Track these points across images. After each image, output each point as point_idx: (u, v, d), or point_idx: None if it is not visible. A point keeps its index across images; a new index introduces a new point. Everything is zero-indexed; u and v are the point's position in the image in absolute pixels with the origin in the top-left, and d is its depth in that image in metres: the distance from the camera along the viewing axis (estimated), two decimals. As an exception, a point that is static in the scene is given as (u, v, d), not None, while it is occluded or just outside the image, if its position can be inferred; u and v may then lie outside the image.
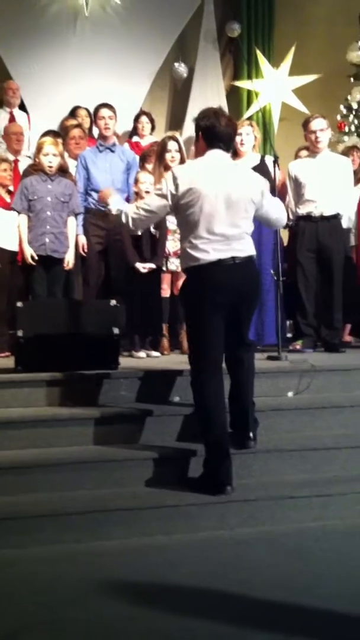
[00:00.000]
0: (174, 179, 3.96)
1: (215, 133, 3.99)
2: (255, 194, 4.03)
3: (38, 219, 5.88)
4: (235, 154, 6.37)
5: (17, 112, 8.12)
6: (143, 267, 5.88)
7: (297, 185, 6.25)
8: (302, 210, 6.20)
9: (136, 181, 6.04)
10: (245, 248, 3.97)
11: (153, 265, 5.92)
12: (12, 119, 7.91)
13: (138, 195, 5.99)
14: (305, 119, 6.37)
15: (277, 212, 4.28)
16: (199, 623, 2.82)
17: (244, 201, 3.94)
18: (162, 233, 5.99)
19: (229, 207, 3.89)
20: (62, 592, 3.13)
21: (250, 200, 3.99)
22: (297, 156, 6.89)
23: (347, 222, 6.53)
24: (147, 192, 5.89)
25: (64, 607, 2.99)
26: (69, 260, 6.03)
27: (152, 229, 5.80)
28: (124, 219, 4.16)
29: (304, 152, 6.71)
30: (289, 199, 6.34)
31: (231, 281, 3.88)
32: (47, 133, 6.89)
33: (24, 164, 7.00)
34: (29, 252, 5.84)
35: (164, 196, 4.00)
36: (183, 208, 3.93)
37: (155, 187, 5.88)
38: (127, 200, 6.46)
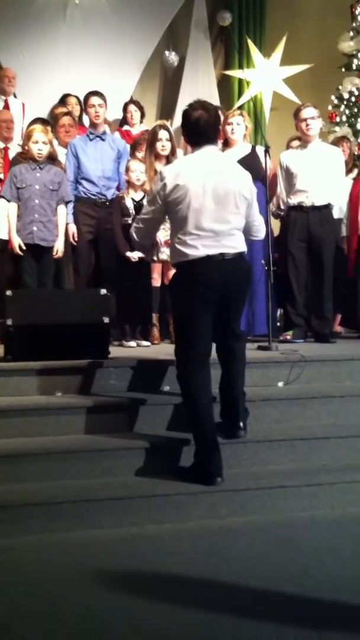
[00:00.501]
0: (161, 178, 3.96)
1: (194, 129, 3.98)
2: (246, 190, 4.01)
3: (26, 207, 5.84)
4: (226, 144, 6.36)
5: (12, 100, 8.03)
6: (133, 256, 5.86)
7: (289, 175, 6.24)
8: (294, 200, 6.19)
9: (127, 170, 6.02)
10: (236, 244, 3.95)
11: (143, 254, 5.90)
12: (6, 106, 7.83)
13: (129, 183, 5.97)
14: (296, 108, 6.36)
15: (260, 220, 4.25)
16: (189, 613, 2.82)
17: (233, 196, 3.92)
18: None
19: (217, 203, 3.87)
20: (51, 582, 3.13)
21: (241, 195, 3.96)
22: (288, 146, 6.89)
23: (338, 212, 6.53)
24: (137, 180, 5.89)
25: (54, 597, 2.98)
26: (59, 248, 5.98)
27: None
28: (132, 236, 4.29)
29: (295, 142, 6.70)
30: (280, 189, 6.34)
31: (220, 277, 3.86)
32: (36, 121, 6.84)
33: (14, 152, 6.95)
34: (17, 241, 5.80)
35: (154, 200, 4.00)
36: (171, 205, 3.92)
37: (145, 176, 5.90)
38: (118, 188, 6.45)
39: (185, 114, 4.00)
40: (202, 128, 3.97)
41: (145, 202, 4.14)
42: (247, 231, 4.17)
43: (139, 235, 4.20)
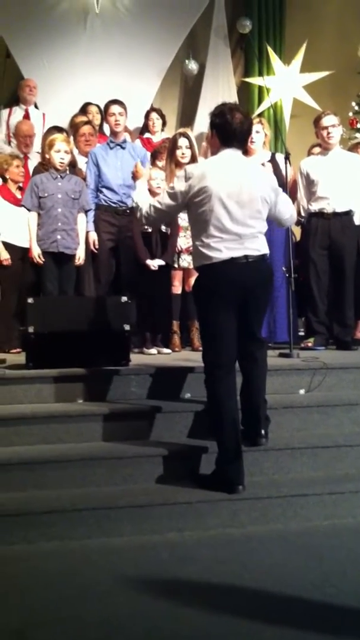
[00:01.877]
0: (186, 177, 3.94)
1: (229, 131, 3.95)
2: (269, 193, 4.01)
3: (49, 216, 5.88)
4: (246, 152, 6.35)
5: (32, 110, 8.10)
6: (153, 264, 5.87)
7: (309, 182, 6.23)
8: (315, 207, 6.18)
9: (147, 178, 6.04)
10: (259, 247, 3.95)
11: (163, 262, 5.91)
12: (26, 116, 7.90)
13: (150, 191, 5.98)
14: (317, 116, 6.35)
15: (289, 210, 4.27)
16: (209, 620, 2.81)
17: (256, 201, 3.92)
18: (172, 230, 5.98)
19: (241, 207, 3.87)
20: (71, 588, 3.13)
21: (264, 199, 3.96)
22: (309, 153, 6.87)
23: (358, 219, 6.50)
24: (158, 188, 5.90)
25: (73, 603, 2.98)
26: (80, 256, 6.03)
27: (162, 227, 5.80)
28: (138, 214, 4.23)
29: (316, 149, 6.68)
30: (300, 196, 6.33)
31: (244, 279, 3.86)
32: (53, 129, 6.88)
33: (34, 161, 7.00)
34: (37, 251, 5.85)
35: (175, 195, 3.99)
36: (195, 206, 3.92)
37: (168, 185, 5.91)
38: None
39: (223, 114, 3.96)
40: (241, 133, 3.97)
41: (165, 193, 4.10)
42: (279, 221, 4.25)
43: (148, 222, 4.28)
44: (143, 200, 4.29)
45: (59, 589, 3.12)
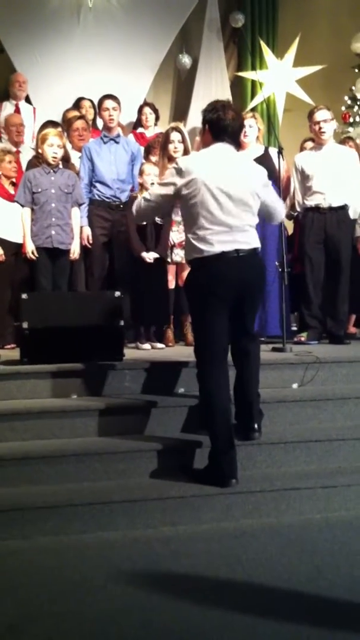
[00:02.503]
0: (177, 170, 3.97)
1: (222, 126, 3.98)
2: (259, 187, 4.02)
3: (43, 211, 5.87)
4: (239, 146, 6.35)
5: (23, 104, 8.09)
6: (149, 257, 5.88)
7: (304, 177, 6.24)
8: (310, 202, 6.18)
9: (141, 173, 6.06)
10: (250, 240, 3.96)
11: (157, 255, 5.92)
12: (17, 111, 7.88)
13: (142, 186, 5.99)
14: (310, 110, 6.35)
15: (278, 204, 4.27)
16: (203, 614, 2.83)
17: (246, 194, 3.94)
18: (166, 223, 5.99)
19: (231, 199, 3.89)
20: (66, 583, 3.15)
21: (254, 193, 3.98)
22: (302, 147, 6.87)
23: (353, 213, 6.52)
24: (152, 183, 5.90)
25: (68, 598, 3.00)
26: (75, 250, 6.03)
27: (157, 219, 5.80)
28: (131, 209, 4.29)
29: (309, 144, 6.68)
30: (295, 191, 6.33)
31: (235, 274, 3.88)
32: (47, 124, 6.88)
33: (26, 155, 6.99)
34: (31, 247, 5.84)
35: (166, 188, 4.02)
36: (185, 199, 3.93)
37: (159, 178, 5.92)
38: (132, 191, 6.46)
39: (216, 109, 3.99)
40: (232, 130, 4.00)
41: (155, 185, 4.11)
42: (267, 216, 4.24)
43: (138, 216, 4.28)
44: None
45: (54, 583, 3.14)
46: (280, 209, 4.31)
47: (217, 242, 3.86)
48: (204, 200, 3.87)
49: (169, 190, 4.00)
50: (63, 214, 5.94)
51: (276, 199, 4.27)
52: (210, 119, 4.01)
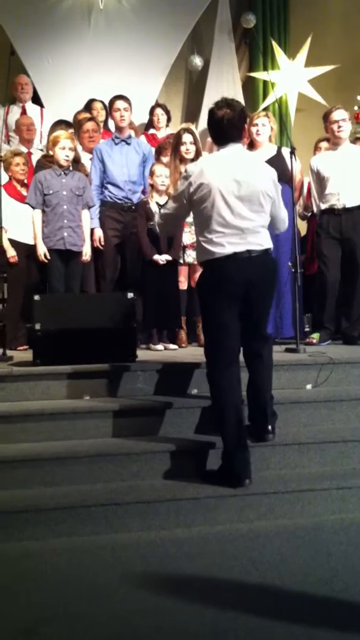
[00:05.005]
0: (186, 176, 3.97)
1: (218, 128, 3.98)
2: (270, 188, 3.99)
3: (55, 213, 5.87)
4: (252, 145, 6.34)
5: (29, 105, 8.13)
6: (161, 259, 5.87)
7: (320, 179, 6.21)
8: (325, 203, 6.15)
9: (152, 174, 6.04)
10: (262, 241, 3.94)
11: (170, 257, 5.91)
12: (23, 112, 7.92)
13: (153, 187, 5.98)
14: (327, 110, 6.34)
15: (282, 213, 4.19)
16: (217, 616, 2.81)
17: (257, 194, 3.91)
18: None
19: (242, 201, 3.87)
20: (79, 584, 3.13)
21: (265, 193, 3.95)
22: (317, 147, 6.85)
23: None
24: (162, 184, 5.90)
25: (81, 600, 2.99)
26: (87, 252, 6.04)
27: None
28: (155, 229, 4.37)
29: (324, 144, 6.66)
30: (313, 193, 6.30)
31: (247, 274, 3.86)
32: (58, 123, 6.89)
33: (37, 156, 7.01)
34: (43, 250, 5.84)
35: (179, 197, 4.03)
36: (196, 203, 3.92)
37: (170, 179, 5.92)
38: (144, 192, 6.46)
39: (211, 112, 3.99)
40: (226, 126, 3.95)
41: (170, 198, 4.13)
42: (271, 225, 4.18)
43: (162, 231, 4.44)
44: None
45: (67, 585, 3.13)
46: (283, 218, 4.21)
47: (229, 244, 3.85)
48: (215, 204, 3.85)
49: (182, 200, 4.00)
50: (74, 215, 5.95)
51: (281, 208, 4.18)
52: (209, 123, 4.03)
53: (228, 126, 3.95)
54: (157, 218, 4.28)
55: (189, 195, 3.94)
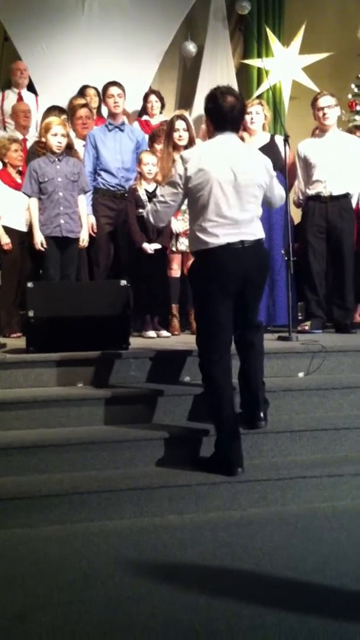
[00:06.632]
0: (183, 162, 3.90)
1: (220, 115, 3.91)
2: (264, 178, 3.99)
3: (51, 200, 5.86)
4: (245, 132, 6.32)
5: (25, 92, 8.09)
6: (150, 248, 5.87)
7: (307, 165, 6.20)
8: (312, 190, 6.16)
9: (139, 162, 6.02)
10: (255, 232, 3.94)
11: (159, 246, 5.91)
12: (20, 99, 7.89)
13: (142, 175, 5.97)
14: (313, 97, 6.32)
15: (280, 192, 4.21)
16: (210, 602, 2.83)
17: (252, 186, 3.90)
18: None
19: (238, 192, 3.85)
20: (73, 571, 3.14)
21: (260, 184, 3.95)
22: (313, 135, 6.83)
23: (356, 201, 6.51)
24: (149, 172, 5.89)
25: (75, 587, 3.00)
26: (84, 238, 6.04)
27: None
28: (146, 217, 4.21)
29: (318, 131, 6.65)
30: (299, 179, 6.30)
31: (240, 264, 3.85)
32: (52, 109, 6.86)
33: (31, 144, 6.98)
34: (40, 238, 5.83)
35: (175, 183, 3.94)
36: (193, 190, 3.89)
37: (162, 165, 5.89)
38: (136, 179, 6.44)
39: (214, 98, 3.91)
40: (232, 117, 3.91)
41: (163, 185, 4.06)
42: (267, 203, 4.18)
43: (156, 219, 4.12)
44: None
45: (61, 572, 3.14)
46: (280, 193, 4.22)
47: (223, 235, 3.83)
48: (211, 193, 3.83)
49: (178, 186, 3.93)
50: (70, 202, 5.94)
51: (277, 186, 4.18)
52: (210, 108, 3.95)
53: (234, 116, 3.93)
54: (149, 206, 4.16)
55: (185, 181, 3.89)
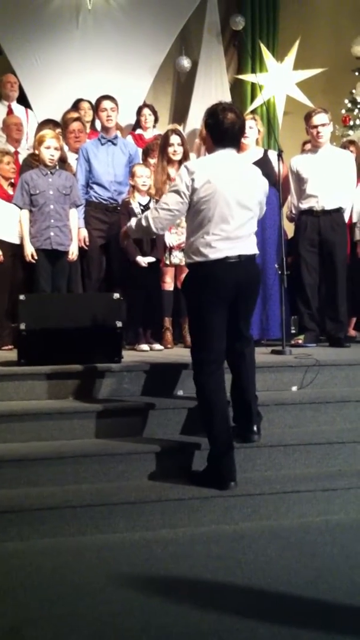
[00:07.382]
0: (189, 173, 3.87)
1: (221, 131, 3.91)
2: (262, 196, 4.03)
3: (41, 213, 5.87)
4: (239, 149, 6.34)
5: (15, 105, 8.12)
6: (143, 261, 5.87)
7: (299, 180, 6.22)
8: (304, 205, 6.17)
9: (132, 175, 6.02)
10: (251, 247, 3.97)
11: (153, 259, 5.91)
12: (10, 112, 7.92)
13: (135, 188, 5.97)
14: (307, 113, 6.32)
15: (263, 208, 4.19)
16: (203, 617, 2.81)
17: (252, 202, 3.94)
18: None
19: (240, 208, 3.87)
20: (65, 585, 3.12)
21: (258, 202, 3.99)
22: (303, 149, 6.87)
23: (356, 216, 6.54)
24: (143, 185, 5.89)
25: (67, 600, 2.98)
26: (74, 251, 6.03)
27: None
28: (144, 223, 4.07)
29: (308, 145, 6.68)
30: (292, 194, 6.32)
31: (235, 277, 3.86)
32: (47, 122, 6.87)
33: (24, 156, 6.98)
34: (30, 250, 5.84)
35: (180, 192, 3.90)
36: (198, 202, 3.86)
37: (156, 179, 5.90)
38: (129, 192, 6.45)
39: (215, 114, 3.91)
40: (232, 133, 3.92)
41: (169, 193, 3.97)
42: None
43: (158, 226, 4.03)
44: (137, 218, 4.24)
45: (53, 585, 3.12)
46: (263, 210, 4.18)
47: (224, 249, 3.84)
48: (216, 207, 3.82)
49: (183, 196, 3.88)
50: (62, 215, 5.94)
51: (265, 205, 4.18)
52: (210, 124, 3.96)
53: (236, 133, 3.94)
54: (147, 213, 4.08)
55: (191, 191, 3.85)
